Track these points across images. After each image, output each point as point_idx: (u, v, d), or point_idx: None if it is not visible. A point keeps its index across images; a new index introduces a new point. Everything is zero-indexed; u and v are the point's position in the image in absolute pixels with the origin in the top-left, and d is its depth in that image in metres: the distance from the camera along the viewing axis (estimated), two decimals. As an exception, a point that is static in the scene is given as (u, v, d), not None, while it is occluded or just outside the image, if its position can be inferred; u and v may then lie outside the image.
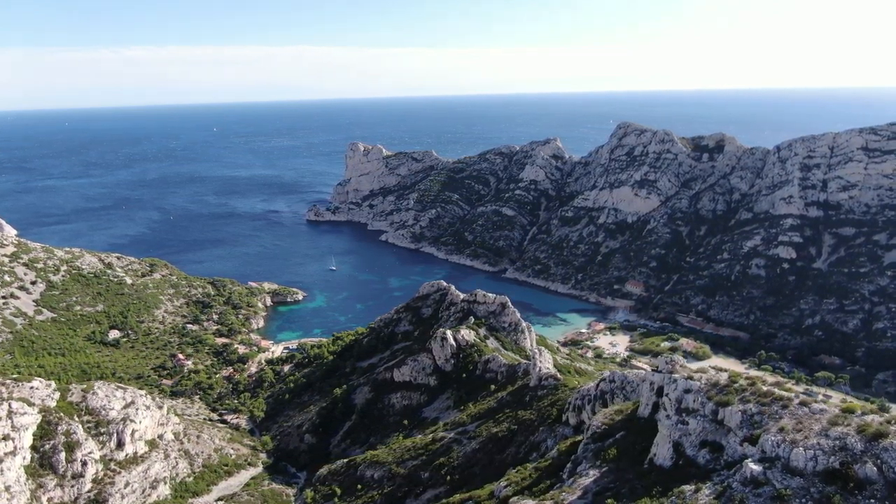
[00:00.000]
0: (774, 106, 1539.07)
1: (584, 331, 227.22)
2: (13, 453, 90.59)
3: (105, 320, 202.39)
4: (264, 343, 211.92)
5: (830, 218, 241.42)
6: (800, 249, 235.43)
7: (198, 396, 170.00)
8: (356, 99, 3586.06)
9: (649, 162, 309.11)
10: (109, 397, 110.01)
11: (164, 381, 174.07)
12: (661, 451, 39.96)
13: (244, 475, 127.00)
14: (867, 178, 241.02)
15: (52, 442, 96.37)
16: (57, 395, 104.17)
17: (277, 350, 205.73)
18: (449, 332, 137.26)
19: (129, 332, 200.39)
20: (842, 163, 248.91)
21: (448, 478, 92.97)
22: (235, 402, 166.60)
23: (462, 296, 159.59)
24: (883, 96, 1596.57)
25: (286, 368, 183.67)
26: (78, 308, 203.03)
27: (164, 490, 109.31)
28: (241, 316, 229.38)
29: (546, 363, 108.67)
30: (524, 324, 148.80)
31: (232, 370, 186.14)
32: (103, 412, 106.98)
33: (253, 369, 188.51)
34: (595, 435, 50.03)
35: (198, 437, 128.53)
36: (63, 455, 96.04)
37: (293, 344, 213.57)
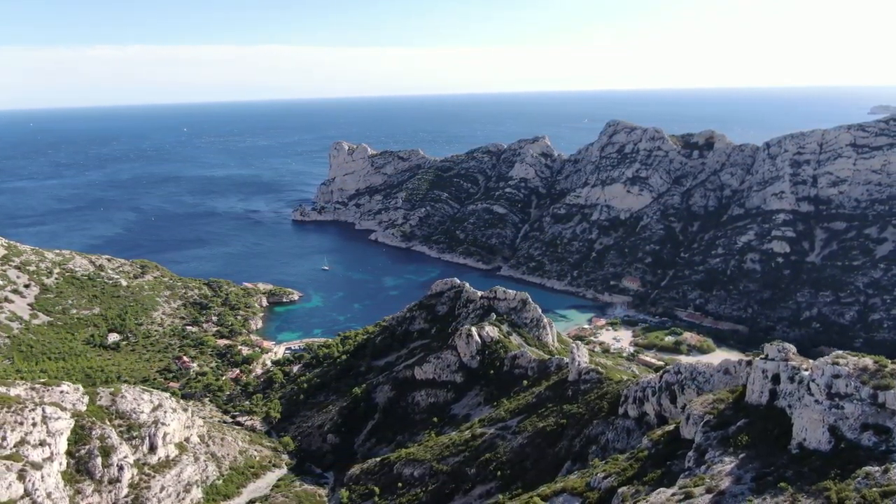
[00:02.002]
0: (747, 104, 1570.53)
1: (586, 326, 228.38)
2: (50, 459, 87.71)
3: (103, 323, 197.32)
4: (266, 344, 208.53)
5: (821, 213, 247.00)
6: (793, 244, 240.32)
7: (208, 399, 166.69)
8: (331, 99, 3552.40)
9: (640, 159, 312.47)
10: (138, 400, 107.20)
11: (171, 384, 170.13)
12: (814, 436, 40.14)
13: (270, 476, 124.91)
14: (856, 173, 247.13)
15: (87, 447, 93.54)
16: (86, 399, 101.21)
17: (280, 351, 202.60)
18: (474, 329, 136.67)
19: (129, 334, 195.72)
20: (831, 159, 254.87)
21: (498, 473, 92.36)
22: (247, 403, 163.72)
23: (480, 293, 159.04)
24: (860, 95, 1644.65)
25: (295, 369, 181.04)
26: (74, 311, 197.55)
27: (197, 493, 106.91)
28: (239, 317, 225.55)
29: (583, 358, 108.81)
30: (545, 319, 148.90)
31: (238, 372, 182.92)
32: (133, 416, 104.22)
33: (259, 370, 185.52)
34: (710, 423, 50.09)
35: (222, 439, 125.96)
36: (99, 460, 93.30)
37: (295, 344, 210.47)
